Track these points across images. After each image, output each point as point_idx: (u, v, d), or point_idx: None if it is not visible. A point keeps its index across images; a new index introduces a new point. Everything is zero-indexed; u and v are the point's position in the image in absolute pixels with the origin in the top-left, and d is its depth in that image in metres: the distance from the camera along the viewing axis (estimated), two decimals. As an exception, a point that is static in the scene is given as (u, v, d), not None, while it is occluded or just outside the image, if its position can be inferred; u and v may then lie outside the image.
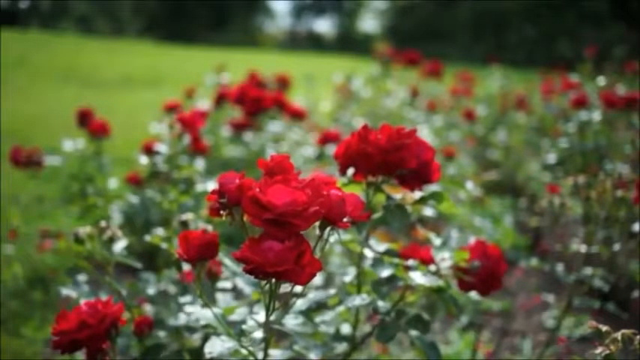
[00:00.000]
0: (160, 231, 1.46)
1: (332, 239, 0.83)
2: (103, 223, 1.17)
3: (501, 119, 4.38)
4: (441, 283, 1.05)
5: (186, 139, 1.95)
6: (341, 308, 1.12)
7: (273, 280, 0.76)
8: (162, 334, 1.27)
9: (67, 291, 1.17)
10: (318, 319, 1.12)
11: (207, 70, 4.04)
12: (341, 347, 1.17)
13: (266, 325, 0.86)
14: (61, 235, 2.24)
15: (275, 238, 0.72)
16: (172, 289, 1.36)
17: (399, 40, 13.52)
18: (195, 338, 1.28)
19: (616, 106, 2.74)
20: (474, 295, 1.19)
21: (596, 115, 2.93)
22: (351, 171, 1.03)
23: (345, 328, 1.21)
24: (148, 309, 1.32)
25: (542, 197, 2.35)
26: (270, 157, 0.79)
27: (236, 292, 1.36)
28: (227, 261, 1.11)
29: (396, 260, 1.09)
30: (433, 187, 1.09)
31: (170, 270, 1.40)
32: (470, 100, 4.59)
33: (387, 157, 0.96)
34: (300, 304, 0.96)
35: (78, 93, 6.64)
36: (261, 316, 0.89)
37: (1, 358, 1.69)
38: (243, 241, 0.75)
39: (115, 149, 3.48)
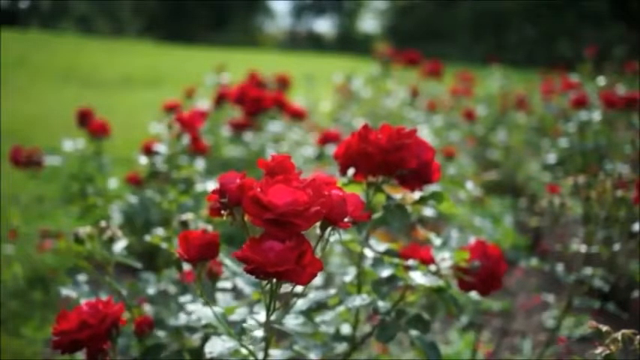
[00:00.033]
0: (159, 231, 1.46)
1: (332, 239, 0.83)
2: (103, 223, 1.17)
3: (501, 119, 4.38)
4: (441, 283, 1.05)
5: (186, 139, 1.95)
6: (341, 308, 1.12)
7: (274, 280, 0.76)
8: (162, 334, 1.27)
9: (67, 291, 1.17)
10: (318, 319, 1.12)
11: (207, 70, 4.04)
12: (341, 347, 1.17)
13: (266, 325, 0.86)
14: (61, 235, 2.24)
15: (276, 238, 0.72)
16: (172, 289, 1.36)
17: (399, 40, 13.52)
18: (196, 338, 1.28)
19: (616, 106, 2.74)
20: (474, 295, 1.19)
21: (596, 115, 2.93)
22: (351, 171, 1.03)
23: (345, 328, 1.21)
24: (148, 309, 1.32)
25: (542, 197, 2.35)
26: (271, 157, 0.79)
27: (236, 292, 1.36)
28: (227, 261, 1.11)
29: (396, 260, 1.09)
30: (433, 187, 1.09)
31: (170, 270, 1.40)
32: (470, 100, 4.59)
33: (388, 157, 0.96)
34: (300, 304, 0.96)
35: (78, 93, 6.64)
36: (261, 316, 0.89)
37: (1, 358, 1.69)
38: (244, 241, 0.75)
39: (115, 149, 3.48)
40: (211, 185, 1.86)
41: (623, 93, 2.84)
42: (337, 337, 1.17)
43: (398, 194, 1.06)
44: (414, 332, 1.03)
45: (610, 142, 2.90)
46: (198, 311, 0.95)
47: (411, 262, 1.11)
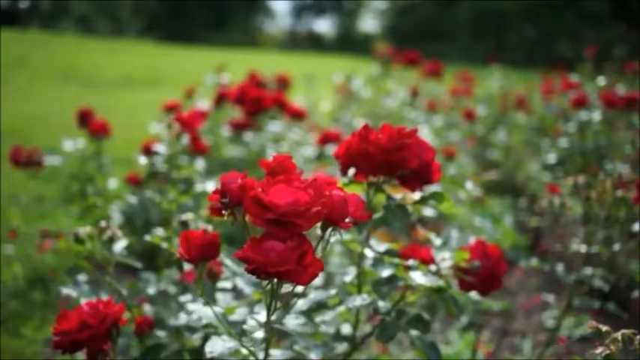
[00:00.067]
0: (159, 231, 1.46)
1: (333, 239, 0.84)
2: (103, 223, 1.17)
3: (501, 119, 4.38)
4: (441, 283, 1.05)
5: (185, 139, 1.95)
6: (341, 308, 1.12)
7: (275, 280, 0.76)
8: (162, 334, 1.27)
9: (67, 290, 1.17)
10: (318, 319, 1.12)
11: (207, 70, 4.04)
12: (341, 347, 1.17)
13: (267, 325, 0.86)
14: (61, 235, 2.24)
15: (277, 238, 0.72)
16: (172, 289, 1.36)
17: (399, 40, 13.52)
18: (196, 338, 1.28)
19: (616, 106, 2.74)
20: (474, 295, 1.19)
21: (596, 115, 2.94)
22: (352, 171, 1.03)
23: (346, 328, 1.21)
24: (148, 309, 1.32)
25: (542, 197, 2.35)
26: (272, 157, 0.80)
27: (236, 292, 1.36)
28: (227, 261, 1.11)
29: (397, 260, 1.09)
30: (433, 187, 1.09)
31: (170, 270, 1.40)
32: (470, 100, 4.59)
33: (389, 157, 0.96)
34: (301, 304, 0.96)
35: (78, 93, 6.64)
36: (262, 316, 0.89)
37: (1, 358, 1.69)
38: (244, 241, 0.75)
39: (115, 149, 3.48)
40: (211, 185, 1.87)
41: (623, 93, 2.84)
42: (337, 337, 1.17)
43: (398, 194, 1.06)
44: (414, 332, 1.03)
45: (610, 142, 2.90)
46: (198, 311, 0.95)
47: (411, 262, 1.11)
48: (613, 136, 2.94)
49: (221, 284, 1.23)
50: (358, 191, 1.03)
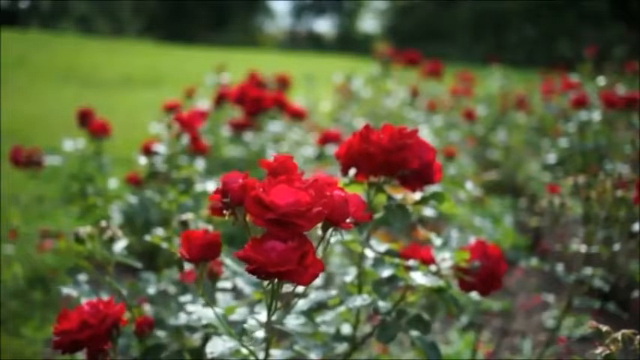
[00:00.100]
0: (159, 231, 1.46)
1: (334, 240, 0.84)
2: (103, 223, 1.17)
3: (501, 119, 4.39)
4: (441, 283, 1.05)
5: (185, 139, 1.95)
6: (342, 308, 1.12)
7: (276, 280, 0.76)
8: (162, 334, 1.27)
9: (67, 290, 1.17)
10: (318, 319, 1.12)
11: (207, 70, 4.04)
12: (341, 347, 1.17)
13: (268, 325, 0.86)
14: (61, 235, 2.24)
15: (278, 239, 0.72)
16: (172, 289, 1.36)
17: (399, 40, 13.52)
18: (196, 338, 1.28)
19: (616, 106, 2.74)
20: (474, 295, 1.19)
21: (596, 115, 2.94)
22: (352, 171, 1.03)
23: (346, 328, 1.21)
24: (148, 309, 1.32)
25: (542, 197, 2.35)
26: (273, 158, 0.80)
27: (236, 292, 1.36)
28: (227, 261, 1.11)
29: (397, 260, 1.09)
30: (434, 188, 1.09)
31: (170, 270, 1.40)
32: (470, 100, 4.59)
33: (390, 158, 0.96)
34: (301, 304, 0.96)
35: (78, 93, 6.64)
36: (262, 316, 0.89)
37: (1, 358, 1.69)
38: (245, 241, 0.75)
39: (115, 149, 3.48)
40: (211, 185, 1.86)
41: (623, 93, 2.84)
42: (338, 337, 1.17)
43: (399, 194, 1.06)
44: (414, 332, 1.03)
45: (610, 142, 2.90)
46: (198, 311, 0.95)
47: (411, 262, 1.11)
48: (613, 136, 2.94)
49: (221, 284, 1.23)
50: (359, 191, 1.03)
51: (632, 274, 1.71)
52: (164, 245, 1.27)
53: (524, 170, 3.59)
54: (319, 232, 0.82)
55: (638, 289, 1.66)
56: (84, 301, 0.97)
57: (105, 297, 1.06)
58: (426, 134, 3.14)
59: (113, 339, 0.93)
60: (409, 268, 1.09)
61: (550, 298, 1.69)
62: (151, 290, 1.34)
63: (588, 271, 1.40)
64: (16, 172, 2.49)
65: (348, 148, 1.00)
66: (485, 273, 1.15)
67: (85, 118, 2.50)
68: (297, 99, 4.25)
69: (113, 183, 2.54)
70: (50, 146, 2.74)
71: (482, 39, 16.01)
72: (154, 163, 1.99)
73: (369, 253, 1.11)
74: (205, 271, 0.87)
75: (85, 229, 1.14)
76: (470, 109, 3.93)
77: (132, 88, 7.62)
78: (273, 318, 0.85)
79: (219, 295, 1.26)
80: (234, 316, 0.98)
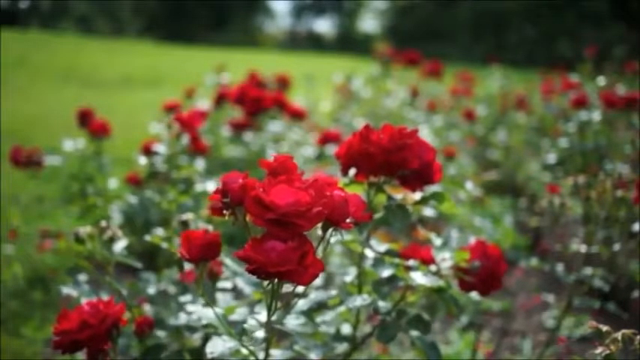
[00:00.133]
0: (159, 231, 1.46)
1: (334, 240, 0.84)
2: (103, 223, 1.17)
3: (501, 119, 4.39)
4: (441, 283, 1.05)
5: (185, 139, 1.95)
6: (342, 308, 1.12)
7: (276, 280, 0.76)
8: (162, 334, 1.27)
9: (67, 290, 1.17)
10: (318, 319, 1.12)
11: (207, 70, 4.04)
12: (341, 347, 1.17)
13: (268, 325, 0.86)
14: (61, 235, 2.24)
15: (278, 239, 0.72)
16: (172, 289, 1.36)
17: (399, 40, 13.52)
18: (196, 338, 1.28)
19: (616, 106, 2.74)
20: (474, 295, 1.19)
21: (596, 115, 2.94)
22: (352, 171, 1.03)
23: (346, 328, 1.21)
24: (148, 309, 1.32)
25: (542, 197, 2.35)
26: (273, 158, 0.80)
27: (236, 292, 1.36)
28: (227, 261, 1.11)
29: (397, 260, 1.09)
30: (433, 187, 1.09)
31: (170, 270, 1.40)
32: (470, 100, 4.59)
33: (390, 158, 0.96)
34: (301, 304, 0.96)
35: (78, 93, 6.64)
36: (262, 316, 0.89)
37: (1, 358, 1.69)
38: (245, 241, 0.75)
39: (115, 149, 3.48)
40: (211, 185, 1.86)
41: (623, 93, 2.84)
42: (338, 337, 1.17)
43: (399, 194, 1.06)
44: (414, 332, 1.03)
45: (610, 142, 2.90)
46: (198, 311, 0.95)
47: (411, 262, 1.11)
48: (613, 136, 2.94)
49: (221, 284, 1.23)
50: (359, 191, 1.03)
51: (632, 274, 1.71)
52: (164, 245, 1.27)
53: (524, 170, 3.59)
54: (319, 232, 0.82)
55: (638, 289, 1.66)
56: (84, 301, 0.97)
57: (105, 297, 1.06)
58: (426, 134, 3.14)
59: (113, 339, 0.93)
60: (409, 268, 1.09)
61: (550, 298, 1.69)
62: (151, 290, 1.34)
63: (588, 271, 1.40)
64: (16, 172, 2.49)
65: (348, 148, 1.00)
66: (485, 273, 1.15)
67: (85, 118, 2.50)
68: (297, 99, 4.25)
69: (113, 183, 2.54)
70: (50, 146, 2.74)
71: (482, 39, 16.01)
72: (154, 163, 1.99)
73: (369, 253, 1.11)
74: (205, 271, 0.87)
75: (85, 229, 1.14)
76: (470, 109, 3.93)
77: (132, 88, 7.62)
78: (273, 318, 0.85)
79: (219, 295, 1.26)
80: (234, 316, 0.98)
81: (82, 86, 7.29)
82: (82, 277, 1.20)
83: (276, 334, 0.94)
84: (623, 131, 2.93)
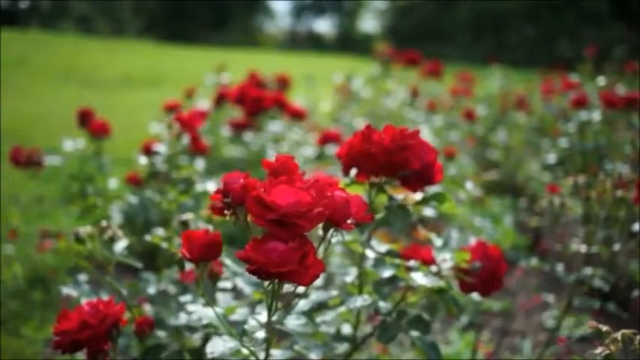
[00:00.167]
0: (159, 231, 1.46)
1: (334, 240, 0.84)
2: (103, 223, 1.17)
3: (501, 119, 4.39)
4: (442, 283, 1.05)
5: (185, 139, 1.95)
6: (342, 308, 1.12)
7: (276, 280, 0.76)
8: (162, 334, 1.27)
9: (67, 290, 1.17)
10: (319, 319, 1.12)
11: (207, 70, 4.04)
12: (342, 347, 1.17)
13: (268, 325, 0.86)
14: (61, 235, 2.24)
15: (279, 239, 0.72)
16: (172, 289, 1.36)
17: (399, 40, 13.52)
18: (196, 338, 1.28)
19: (616, 106, 2.74)
20: (474, 295, 1.19)
21: (596, 115, 2.94)
22: (354, 171, 1.03)
23: (346, 329, 1.21)
24: (148, 309, 1.32)
25: (542, 197, 2.35)
26: (274, 158, 0.80)
27: (235, 292, 1.36)
28: (228, 261, 1.11)
29: (398, 261, 1.09)
30: (434, 188, 1.09)
31: (170, 270, 1.40)
32: (470, 100, 4.59)
33: (391, 158, 0.96)
34: (302, 304, 0.96)
35: (78, 93, 6.64)
36: (262, 317, 0.89)
37: (1, 358, 1.69)
38: (245, 241, 0.75)
39: (115, 149, 3.48)
40: (211, 185, 1.86)
41: (623, 93, 2.84)
42: (338, 337, 1.17)
43: (400, 195, 1.06)
44: (414, 333, 1.03)
45: (610, 142, 2.90)
46: (198, 311, 0.95)
47: (412, 262, 1.11)
48: (613, 136, 2.94)
49: (221, 284, 1.23)
50: (360, 192, 1.03)
51: (632, 274, 1.71)
52: (164, 245, 1.27)
53: (524, 170, 3.59)
54: (320, 232, 0.81)
55: (638, 289, 1.66)
56: (84, 301, 0.97)
57: (105, 297, 1.06)
58: (426, 134, 3.14)
59: (113, 339, 0.93)
60: (410, 269, 1.09)
61: (550, 298, 1.69)
62: (151, 290, 1.34)
63: (588, 271, 1.40)
64: (16, 172, 2.49)
65: (350, 148, 1.00)
66: (485, 274, 1.15)
67: (85, 118, 2.50)
68: (297, 99, 4.25)
69: (113, 183, 2.54)
70: (50, 146, 2.74)
71: (482, 39, 16.01)
72: (154, 163, 1.99)
73: (370, 254, 1.11)
74: (206, 271, 0.87)
75: (85, 229, 1.14)
76: (470, 109, 3.93)
77: (132, 88, 7.62)
78: (274, 318, 0.85)
79: (220, 295, 1.26)
80: (235, 316, 0.98)
81: (82, 86, 7.29)
82: (82, 277, 1.20)
83: (276, 335, 0.94)
84: (623, 131, 2.93)
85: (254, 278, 0.80)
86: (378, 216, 1.05)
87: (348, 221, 0.79)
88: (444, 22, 17.33)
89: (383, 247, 1.13)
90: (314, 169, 2.57)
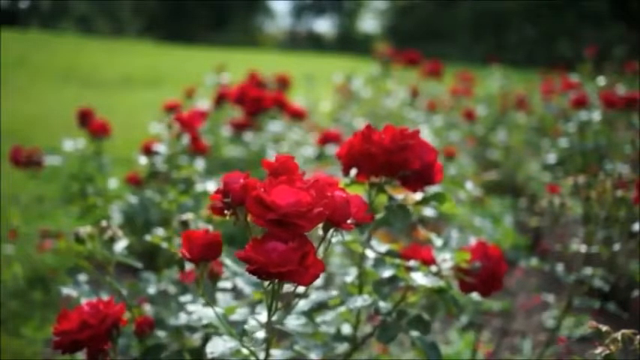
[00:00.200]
0: (160, 231, 1.46)
1: (334, 240, 0.84)
2: (103, 223, 1.17)
3: (501, 119, 4.39)
4: (442, 284, 1.05)
5: (186, 139, 1.95)
6: (342, 308, 1.12)
7: (276, 280, 0.76)
8: (162, 334, 1.27)
9: (67, 290, 1.17)
10: (319, 319, 1.12)
11: (207, 70, 4.04)
12: (342, 347, 1.17)
13: (268, 326, 0.86)
14: (61, 235, 2.24)
15: (279, 239, 0.72)
16: (172, 289, 1.36)
17: (399, 40, 13.52)
18: (196, 338, 1.28)
19: (616, 106, 2.74)
20: (474, 295, 1.19)
21: (596, 115, 2.94)
22: (353, 171, 1.03)
23: (346, 329, 1.21)
24: (148, 309, 1.32)
25: (542, 197, 2.34)
26: (274, 158, 0.80)
27: (235, 292, 1.36)
28: (228, 261, 1.11)
29: (398, 261, 1.09)
30: (434, 188, 1.09)
31: (170, 270, 1.40)
32: (470, 100, 4.59)
33: (391, 158, 0.96)
34: (302, 304, 0.96)
35: (78, 93, 6.64)
36: (262, 317, 0.89)
37: (1, 358, 1.69)
38: (245, 241, 0.75)
39: (115, 149, 3.48)
40: (211, 185, 1.86)
41: (623, 93, 2.84)
42: (338, 337, 1.17)
43: (400, 195, 1.06)
44: (414, 333, 1.03)
45: (610, 142, 2.90)
46: (198, 311, 0.95)
47: (412, 262, 1.11)
48: (613, 136, 2.94)
49: (221, 284, 1.23)
50: (360, 192, 1.03)
51: (632, 274, 1.71)
52: (164, 245, 1.27)
53: (524, 170, 3.59)
54: (320, 232, 0.81)
55: (638, 289, 1.66)
56: (84, 301, 0.97)
57: (105, 297, 1.06)
58: (426, 134, 3.14)
59: (113, 339, 0.93)
60: (410, 269, 1.09)
61: (550, 298, 1.69)
62: (151, 290, 1.34)
63: (588, 271, 1.40)
64: (16, 172, 2.49)
65: (350, 148, 1.00)
66: (485, 274, 1.15)
67: (85, 118, 2.50)
68: (297, 99, 4.25)
69: (113, 183, 2.54)
70: (50, 146, 2.74)
71: (482, 39, 16.01)
72: (154, 163, 1.99)
73: (370, 254, 1.11)
74: (206, 271, 0.87)
75: (85, 229, 1.14)
76: (470, 109, 3.93)
77: (132, 88, 7.62)
78: (274, 318, 0.85)
79: (220, 295, 1.26)
80: (235, 316, 0.98)
81: (82, 86, 7.29)
82: (82, 277, 1.20)
83: (276, 335, 0.95)
84: (623, 131, 2.93)
85: (254, 278, 0.80)
86: (378, 216, 1.05)
87: (348, 221, 0.79)
88: (444, 22, 17.34)
89: (383, 247, 1.13)
90: (314, 169, 2.57)
